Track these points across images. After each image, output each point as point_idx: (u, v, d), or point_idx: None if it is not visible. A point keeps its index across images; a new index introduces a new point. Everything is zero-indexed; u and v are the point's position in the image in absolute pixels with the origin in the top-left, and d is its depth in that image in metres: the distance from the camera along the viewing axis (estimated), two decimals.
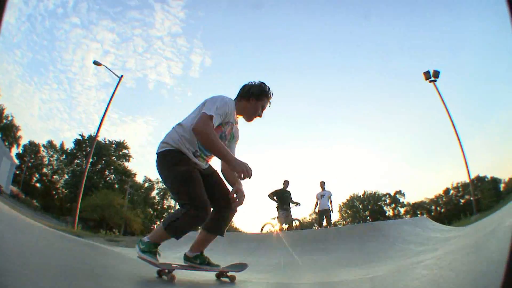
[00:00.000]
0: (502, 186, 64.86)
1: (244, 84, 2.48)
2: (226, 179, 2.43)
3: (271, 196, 9.16)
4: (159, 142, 2.30)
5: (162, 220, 2.26)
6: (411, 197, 72.52)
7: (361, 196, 65.38)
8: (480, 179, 62.82)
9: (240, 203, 2.30)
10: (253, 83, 2.45)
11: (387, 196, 65.16)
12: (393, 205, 65.02)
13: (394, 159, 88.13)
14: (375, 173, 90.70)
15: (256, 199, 10.01)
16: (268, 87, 2.45)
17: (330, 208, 9.92)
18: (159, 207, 53.55)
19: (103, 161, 47.33)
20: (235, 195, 2.29)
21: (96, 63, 17.00)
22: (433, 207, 66.81)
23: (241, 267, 2.46)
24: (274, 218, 9.16)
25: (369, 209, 63.39)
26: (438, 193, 67.09)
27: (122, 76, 17.07)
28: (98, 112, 67.10)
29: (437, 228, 5.57)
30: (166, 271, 2.14)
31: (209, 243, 2.41)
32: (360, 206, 65.01)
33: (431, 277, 1.93)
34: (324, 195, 10.06)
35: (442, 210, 64.15)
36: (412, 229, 5.31)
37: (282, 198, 9.13)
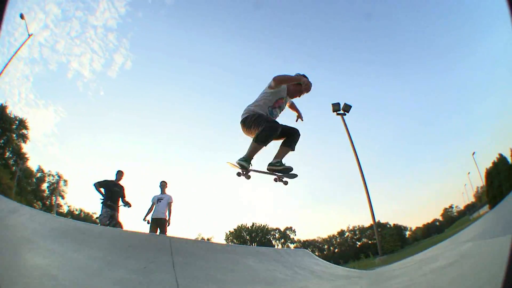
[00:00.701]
0: (407, 233, 74.24)
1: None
2: (292, 109, 4.03)
3: (97, 186, 7.42)
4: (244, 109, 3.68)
5: (252, 139, 3.43)
6: (302, 235, 73.31)
7: (250, 227, 63.84)
8: (381, 225, 65.92)
9: (302, 118, 3.98)
10: (301, 73, 3.72)
11: (277, 231, 65.52)
12: (283, 240, 65.65)
13: (290, 194, 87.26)
14: (267, 205, 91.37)
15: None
16: (309, 80, 3.66)
17: (167, 217, 8.04)
18: (47, 202, 45.53)
19: (5, 136, 40.37)
20: (301, 116, 3.99)
21: (22, 16, 17.01)
22: (325, 246, 70.04)
23: (293, 176, 3.65)
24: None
25: (256, 241, 62.26)
26: (332, 233, 70.95)
27: (31, 35, 17.30)
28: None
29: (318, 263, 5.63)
30: (245, 173, 3.54)
31: (285, 154, 3.62)
32: (248, 237, 63.17)
33: None
34: (162, 200, 8.15)
35: (336, 250, 68.14)
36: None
37: (111, 192, 7.48)
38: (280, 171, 3.55)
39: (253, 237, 63.32)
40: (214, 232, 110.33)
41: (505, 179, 28.27)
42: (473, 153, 35.53)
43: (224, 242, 61.54)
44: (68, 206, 48.01)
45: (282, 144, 3.62)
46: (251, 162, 3.47)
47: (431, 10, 75.60)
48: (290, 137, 3.60)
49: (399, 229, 71.01)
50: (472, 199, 59.19)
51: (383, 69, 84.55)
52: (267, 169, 3.59)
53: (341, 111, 18.47)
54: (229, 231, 63.63)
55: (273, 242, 64.34)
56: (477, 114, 76.47)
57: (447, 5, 68.23)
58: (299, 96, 3.80)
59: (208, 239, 61.69)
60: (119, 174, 7.82)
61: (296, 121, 3.97)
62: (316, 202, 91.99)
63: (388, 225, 70.42)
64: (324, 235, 72.35)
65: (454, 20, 74.48)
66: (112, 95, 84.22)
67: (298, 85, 3.66)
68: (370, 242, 67.97)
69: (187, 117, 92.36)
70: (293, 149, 3.62)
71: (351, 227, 73.14)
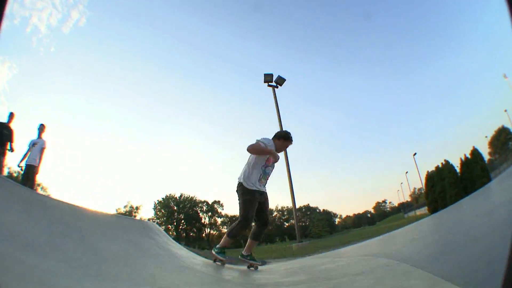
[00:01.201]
0: (337, 220, 75.63)
1: (278, 131, 4.43)
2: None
3: None
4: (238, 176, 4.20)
5: (226, 233, 4.18)
6: (230, 210, 71.44)
7: (178, 198, 61.90)
8: (310, 209, 68.21)
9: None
10: (283, 130, 4.46)
11: (205, 203, 63.55)
12: (210, 213, 63.75)
13: (223, 168, 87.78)
14: (197, 175, 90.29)
15: None
16: (289, 134, 4.37)
17: (38, 163, 7.49)
18: None
19: None
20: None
21: None
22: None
23: (263, 263, 4.39)
24: None
25: (184, 213, 60.43)
26: None
27: None
28: None
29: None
30: (220, 262, 4.03)
31: (253, 246, 4.28)
32: (175, 208, 61.49)
33: None
34: (36, 144, 7.59)
35: None
36: None
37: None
38: (251, 265, 4.22)
39: (180, 208, 61.16)
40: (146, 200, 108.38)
41: (450, 186, 28.60)
42: (414, 154, 34.80)
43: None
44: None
45: (251, 237, 4.23)
46: (225, 251, 4.11)
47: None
48: (259, 227, 4.22)
49: (328, 215, 71.18)
50: (408, 199, 61.92)
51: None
52: (240, 260, 4.24)
53: (273, 83, 18.13)
54: (158, 200, 61.13)
55: (201, 215, 62.33)
56: (426, 118, 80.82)
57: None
58: (285, 150, 5.00)
59: (137, 207, 59.94)
60: (11, 116, 7.42)
61: None
62: None
63: (317, 210, 70.82)
64: None
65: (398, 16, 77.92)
66: (62, 52, 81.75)
67: (284, 141, 4.32)
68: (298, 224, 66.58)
69: (128, 79, 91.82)
70: (259, 241, 4.43)
71: (280, 207, 72.58)
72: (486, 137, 46.32)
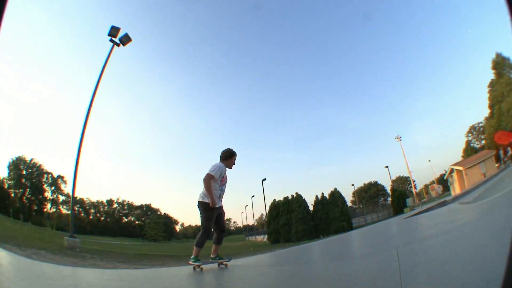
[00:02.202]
0: (178, 227, 74.14)
1: (221, 152, 5.36)
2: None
3: None
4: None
5: (194, 243, 5.15)
6: (77, 191, 67.36)
7: (27, 162, 51.50)
8: (151, 210, 66.10)
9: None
10: (225, 150, 5.39)
11: (50, 175, 54.27)
12: (53, 188, 54.45)
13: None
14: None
15: None
16: (232, 150, 5.43)
17: None
18: None
19: None
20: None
21: None
22: (91, 210, 63.35)
23: (229, 259, 5.50)
24: None
25: (30, 180, 50.72)
26: (102, 199, 65.22)
27: None
28: None
29: None
30: (199, 268, 4.98)
31: (218, 250, 5.38)
32: (24, 173, 51.34)
33: None
34: None
35: (101, 218, 63.07)
36: None
37: None
38: (221, 263, 5.31)
39: (28, 174, 50.92)
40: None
41: (298, 221, 29.94)
42: (264, 180, 34.87)
43: None
44: None
45: (214, 242, 5.35)
46: (199, 258, 5.05)
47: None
48: (218, 234, 5.37)
49: (169, 220, 68.89)
50: (254, 222, 63.00)
51: None
52: (210, 262, 5.31)
53: (117, 39, 14.73)
54: (12, 159, 49.75)
55: (45, 187, 52.67)
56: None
57: None
58: (234, 164, 5.48)
59: None
60: None
61: None
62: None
63: (158, 212, 67.95)
64: (95, 198, 64.36)
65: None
66: None
67: (230, 159, 5.36)
68: (136, 222, 65.12)
69: None
70: (220, 245, 5.41)
71: (121, 199, 67.42)
72: (352, 185, 49.48)
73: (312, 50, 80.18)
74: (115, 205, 67.42)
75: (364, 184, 61.12)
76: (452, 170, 34.18)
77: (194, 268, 4.96)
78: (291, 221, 28.77)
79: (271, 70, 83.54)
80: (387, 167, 43.31)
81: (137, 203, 67.27)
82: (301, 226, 27.98)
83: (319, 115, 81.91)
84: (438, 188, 64.85)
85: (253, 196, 50.53)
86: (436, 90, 76.42)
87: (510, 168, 22.96)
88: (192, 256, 5.02)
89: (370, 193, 59.52)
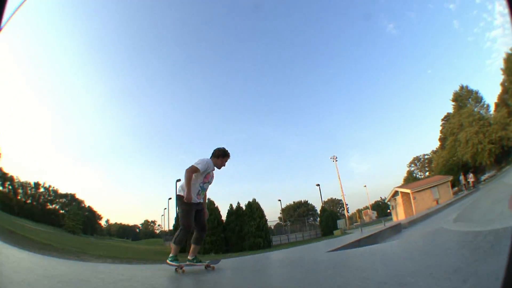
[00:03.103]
0: (101, 223, 67.11)
1: (215, 149, 4.92)
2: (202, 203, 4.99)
3: None
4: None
5: (172, 241, 4.73)
6: None
7: None
8: (76, 200, 59.60)
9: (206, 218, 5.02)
10: (219, 148, 4.92)
11: None
12: None
13: None
14: None
15: None
16: (226, 150, 4.93)
17: None
18: None
19: None
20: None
21: None
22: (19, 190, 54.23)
23: (216, 262, 5.21)
24: None
25: None
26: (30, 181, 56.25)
27: None
28: None
29: None
30: (181, 269, 4.47)
31: (197, 250, 4.87)
32: None
33: None
34: None
35: (27, 201, 55.28)
36: None
37: None
38: (208, 266, 4.88)
39: None
40: None
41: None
42: (178, 181, 30.53)
43: None
44: None
45: (193, 242, 4.86)
46: (177, 257, 4.64)
47: None
48: (199, 232, 4.85)
49: (91, 213, 62.30)
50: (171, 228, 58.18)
51: None
52: (187, 265, 4.74)
53: None
54: None
55: None
56: None
57: None
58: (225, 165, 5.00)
59: None
60: None
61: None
62: None
63: (82, 204, 60.59)
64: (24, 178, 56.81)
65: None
66: None
67: (222, 158, 4.91)
68: (60, 211, 55.05)
69: None
70: (200, 245, 5.01)
71: (48, 184, 59.08)
72: (279, 200, 47.67)
73: (263, 69, 74.34)
74: (41, 189, 57.90)
75: (293, 202, 59.61)
76: (396, 193, 28.27)
77: (176, 270, 4.54)
78: None
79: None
80: (318, 185, 40.33)
81: (62, 191, 58.80)
82: (208, 237, 23.68)
83: (258, 131, 76.30)
84: (372, 213, 63.04)
85: (170, 199, 45.58)
86: (380, 122, 75.70)
87: (479, 193, 16.85)
88: (170, 255, 4.66)
89: (299, 211, 58.16)
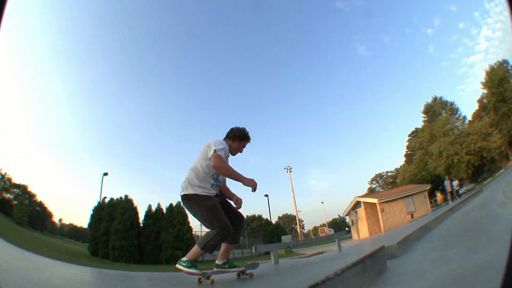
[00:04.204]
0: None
1: (231, 128, 3.48)
2: (225, 195, 3.48)
3: None
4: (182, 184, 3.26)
5: (197, 242, 3.16)
6: None
7: None
8: None
9: (240, 206, 3.46)
10: (238, 128, 3.47)
11: None
12: None
13: None
14: None
15: None
16: (247, 132, 3.47)
17: None
18: None
19: None
20: (238, 203, 3.45)
21: None
22: None
23: (254, 266, 3.55)
24: None
25: None
26: None
27: None
28: None
29: None
30: (205, 278, 3.15)
31: (229, 253, 3.47)
32: None
33: None
34: None
35: None
36: None
37: None
38: (243, 272, 3.45)
39: None
40: None
41: (115, 233, 21.21)
42: (105, 174, 27.97)
43: None
44: None
45: (228, 241, 3.36)
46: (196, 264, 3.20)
47: None
48: (236, 227, 3.30)
49: (42, 209, 54.59)
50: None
51: None
52: (216, 272, 3.35)
53: None
54: None
55: None
56: None
57: None
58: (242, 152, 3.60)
59: None
60: None
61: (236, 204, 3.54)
62: None
63: (33, 196, 53.50)
64: None
65: None
66: None
67: (239, 142, 3.45)
68: (14, 202, 49.89)
69: None
70: (237, 243, 3.83)
71: (4, 171, 53.34)
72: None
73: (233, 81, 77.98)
74: None
75: (247, 215, 55.84)
76: (357, 204, 22.01)
77: (199, 280, 3.23)
78: (111, 232, 20.30)
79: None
80: (266, 195, 35.87)
81: (17, 181, 52.89)
82: (119, 241, 19.55)
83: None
84: (329, 231, 58.75)
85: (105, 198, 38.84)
86: (344, 140, 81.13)
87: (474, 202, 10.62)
88: (186, 259, 3.17)
89: (251, 225, 54.82)
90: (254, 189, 3.03)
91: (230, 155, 3.39)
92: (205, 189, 3.19)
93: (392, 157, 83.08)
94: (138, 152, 73.51)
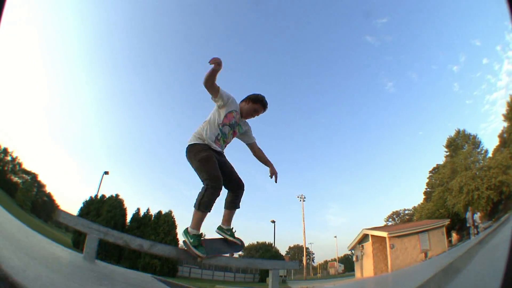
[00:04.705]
0: None
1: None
2: (260, 161, 3.55)
3: None
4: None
5: (193, 205, 2.97)
6: None
7: None
8: None
9: (276, 175, 3.42)
10: (254, 93, 3.42)
11: None
12: None
13: None
14: None
15: None
16: (264, 97, 3.40)
17: None
18: None
19: None
20: (275, 175, 3.43)
21: None
22: None
23: (239, 247, 3.38)
24: None
25: None
26: None
27: None
28: None
29: None
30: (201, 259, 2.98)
31: (233, 217, 3.38)
32: None
33: None
34: None
35: None
36: None
37: None
38: (232, 241, 3.35)
39: None
40: None
41: None
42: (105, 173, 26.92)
43: None
44: None
45: (228, 207, 3.35)
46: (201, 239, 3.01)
47: None
48: (233, 191, 3.33)
49: (50, 201, 51.77)
50: None
51: None
52: (218, 233, 3.37)
53: None
54: None
55: None
56: None
57: None
58: (257, 115, 3.49)
59: None
60: None
61: (271, 177, 3.49)
62: None
63: (42, 186, 52.78)
64: None
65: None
66: None
67: (253, 103, 3.38)
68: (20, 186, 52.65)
69: None
70: (238, 207, 3.43)
71: (15, 155, 54.86)
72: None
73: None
74: (8, 157, 52.27)
75: (257, 242, 51.94)
76: (364, 238, 19.57)
77: (199, 258, 3.01)
78: None
79: None
80: (273, 221, 35.73)
81: (28, 167, 51.96)
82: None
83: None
84: (339, 266, 55.64)
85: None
86: (364, 177, 77.61)
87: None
88: (192, 230, 2.99)
89: (260, 253, 50.40)
90: (213, 63, 2.84)
91: (241, 114, 3.38)
92: (205, 140, 3.16)
93: (412, 194, 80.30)
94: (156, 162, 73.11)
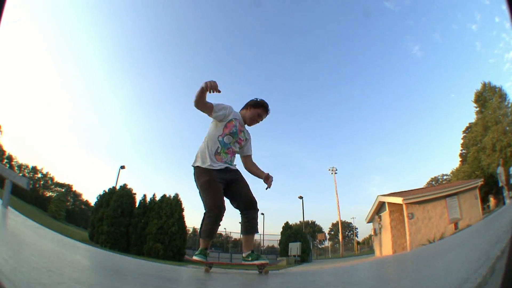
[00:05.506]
0: None
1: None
2: (252, 173, 3.32)
3: None
4: None
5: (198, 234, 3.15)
6: None
7: None
8: None
9: (271, 185, 3.18)
10: (253, 98, 3.30)
11: None
12: None
13: None
14: None
15: None
16: (263, 101, 3.26)
17: None
18: None
19: None
20: (269, 181, 3.19)
21: None
22: None
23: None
24: None
25: None
26: None
27: None
28: None
29: None
30: (209, 267, 3.10)
31: (252, 241, 3.15)
32: None
33: None
34: None
35: None
36: None
37: None
38: (260, 267, 3.12)
39: None
40: None
41: None
42: (122, 167, 28.31)
43: None
44: None
45: (244, 232, 3.12)
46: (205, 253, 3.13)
47: None
48: (245, 215, 3.07)
49: (87, 207, 62.76)
50: None
51: None
52: (245, 264, 3.19)
53: None
54: None
55: None
56: None
57: None
58: (261, 120, 3.33)
59: None
60: None
61: (268, 188, 3.25)
62: None
63: (81, 197, 65.64)
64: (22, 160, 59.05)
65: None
66: None
67: (254, 108, 3.26)
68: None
69: None
70: (256, 232, 3.14)
71: (45, 171, 62.27)
72: (262, 213, 43.81)
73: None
74: (38, 175, 60.09)
75: (300, 222, 50.90)
76: (381, 206, 16.80)
77: (206, 270, 3.15)
78: (104, 217, 20.07)
79: None
80: (301, 197, 31.12)
81: (60, 180, 60.54)
82: (106, 226, 19.25)
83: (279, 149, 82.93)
84: None
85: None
86: (403, 146, 78.20)
87: None
88: (199, 248, 3.20)
89: (305, 231, 50.03)
90: (207, 88, 2.72)
91: (244, 122, 3.26)
92: (205, 160, 3.04)
93: (449, 158, 79.98)
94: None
